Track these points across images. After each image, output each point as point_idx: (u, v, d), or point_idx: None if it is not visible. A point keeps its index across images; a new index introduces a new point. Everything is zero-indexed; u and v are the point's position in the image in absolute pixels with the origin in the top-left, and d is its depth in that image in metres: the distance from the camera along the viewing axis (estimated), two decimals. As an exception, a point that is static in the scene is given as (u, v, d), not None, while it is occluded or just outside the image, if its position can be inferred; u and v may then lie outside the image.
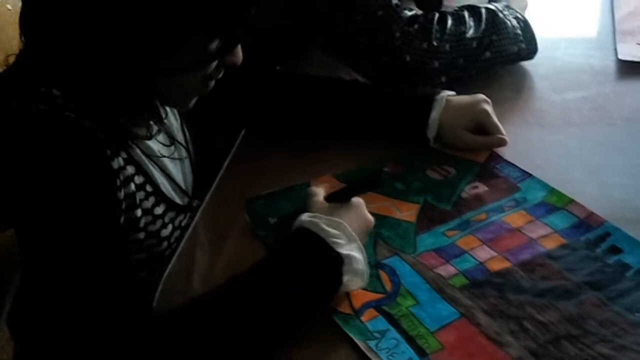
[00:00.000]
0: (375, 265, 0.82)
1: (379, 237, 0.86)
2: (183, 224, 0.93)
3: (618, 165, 1.00)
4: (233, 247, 0.87)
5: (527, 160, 0.99)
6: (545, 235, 0.85)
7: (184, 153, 0.95)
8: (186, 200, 0.94)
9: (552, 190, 0.92)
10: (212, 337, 0.67)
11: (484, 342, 0.71)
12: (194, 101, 0.85)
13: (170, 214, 0.90)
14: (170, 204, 0.90)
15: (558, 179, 0.94)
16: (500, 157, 0.99)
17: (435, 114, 0.99)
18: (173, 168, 0.92)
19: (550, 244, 0.84)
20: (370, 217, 0.82)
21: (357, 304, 0.76)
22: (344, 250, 0.74)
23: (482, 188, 0.94)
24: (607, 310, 0.74)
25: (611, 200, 0.91)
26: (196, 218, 0.92)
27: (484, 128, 1.00)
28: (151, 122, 0.82)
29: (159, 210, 0.87)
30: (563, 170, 0.98)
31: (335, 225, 0.76)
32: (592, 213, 0.87)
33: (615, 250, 0.82)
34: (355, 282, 0.76)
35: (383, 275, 0.80)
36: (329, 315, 0.75)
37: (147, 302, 0.76)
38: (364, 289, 0.78)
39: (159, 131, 0.86)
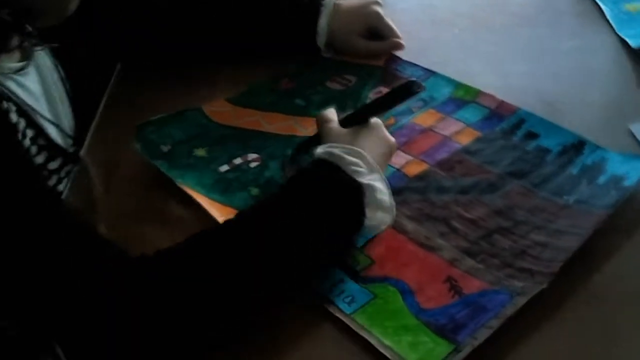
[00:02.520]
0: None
1: (286, 159, 0.78)
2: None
3: (516, 52, 0.97)
4: (125, 180, 0.78)
5: (425, 59, 0.93)
6: (459, 131, 0.80)
7: (63, 96, 0.83)
8: (72, 147, 0.82)
9: (458, 85, 0.87)
10: (216, 276, 0.57)
11: (415, 248, 0.66)
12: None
13: (66, 168, 0.78)
14: (63, 155, 0.78)
15: (459, 74, 0.90)
16: (400, 58, 0.94)
17: (323, 20, 0.91)
18: (53, 115, 0.80)
19: (465, 139, 0.79)
20: (392, 139, 0.72)
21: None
22: (364, 180, 0.65)
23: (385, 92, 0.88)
24: (535, 197, 0.71)
25: (515, 88, 0.88)
26: (82, 155, 0.81)
27: (377, 32, 0.94)
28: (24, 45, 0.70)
29: (54, 164, 0.75)
30: (462, 64, 0.94)
31: (354, 154, 0.66)
32: (503, 102, 0.83)
33: (532, 135, 0.78)
34: (382, 217, 0.66)
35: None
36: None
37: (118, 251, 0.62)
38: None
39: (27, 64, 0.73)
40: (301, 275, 0.63)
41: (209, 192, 0.74)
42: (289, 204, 0.64)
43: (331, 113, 0.73)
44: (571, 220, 0.67)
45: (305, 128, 0.83)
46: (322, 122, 0.73)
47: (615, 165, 0.73)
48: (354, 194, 0.64)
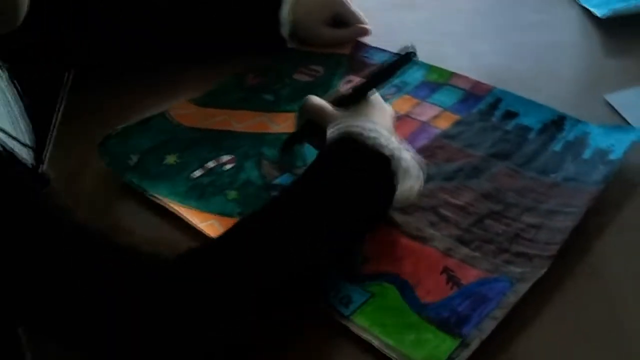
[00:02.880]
0: (265, 187, 0.71)
1: (262, 157, 0.75)
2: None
3: (485, 32, 0.96)
4: (93, 194, 0.74)
5: (393, 43, 0.90)
6: (437, 116, 0.78)
7: (23, 112, 0.77)
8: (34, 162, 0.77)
9: (430, 68, 0.85)
10: (252, 265, 0.53)
11: (408, 242, 0.64)
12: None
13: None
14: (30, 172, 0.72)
15: (429, 57, 0.87)
16: (367, 45, 0.91)
17: (285, 9, 0.88)
18: (9, 124, 0.74)
19: (444, 124, 0.77)
20: (392, 110, 0.69)
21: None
22: (388, 151, 0.61)
23: (357, 81, 0.85)
24: (522, 178, 0.69)
25: (486, 68, 0.87)
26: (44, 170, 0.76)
27: (342, 19, 0.91)
28: None
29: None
30: (432, 47, 0.91)
31: (370, 127, 0.62)
32: (477, 82, 0.81)
33: (510, 114, 0.77)
34: (412, 186, 0.63)
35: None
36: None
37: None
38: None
39: None
40: (337, 259, 0.60)
41: (183, 199, 0.70)
42: (322, 187, 0.60)
43: (318, 99, 0.70)
44: (562, 199, 0.66)
45: (278, 124, 0.79)
46: (314, 110, 0.68)
47: (598, 139, 0.72)
48: (384, 167, 0.61)
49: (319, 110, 0.67)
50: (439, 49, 0.90)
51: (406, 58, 0.68)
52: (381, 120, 0.65)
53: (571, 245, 0.62)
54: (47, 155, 0.77)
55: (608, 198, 0.66)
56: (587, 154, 0.70)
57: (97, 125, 0.80)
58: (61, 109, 0.80)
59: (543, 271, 0.58)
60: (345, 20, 0.91)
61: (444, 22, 0.98)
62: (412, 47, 0.69)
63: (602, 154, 0.70)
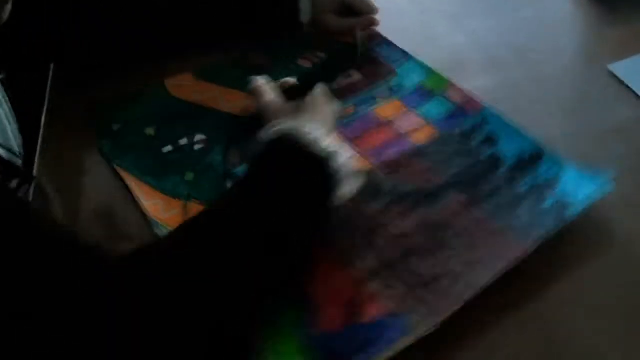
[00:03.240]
0: (224, 175, 0.72)
1: (232, 142, 0.75)
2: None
3: (480, 9, 0.94)
4: (87, 201, 0.73)
5: (383, 25, 0.87)
6: (417, 129, 0.75)
7: (9, 116, 0.79)
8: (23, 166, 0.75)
9: (430, 73, 0.81)
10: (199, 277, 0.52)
11: (329, 263, 0.62)
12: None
13: (24, 188, 0.73)
14: (19, 175, 0.71)
15: (424, 37, 0.86)
16: (380, 36, 0.87)
17: None
18: (3, 137, 0.74)
19: (420, 138, 0.74)
20: (336, 106, 0.67)
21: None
22: (326, 149, 0.60)
23: (356, 77, 0.82)
24: (469, 217, 0.65)
25: (484, 43, 0.86)
26: (35, 171, 0.75)
27: (353, 8, 0.87)
28: None
29: (12, 185, 0.70)
30: (425, 26, 0.90)
31: (307, 125, 0.61)
32: (471, 99, 0.77)
33: (489, 141, 0.72)
34: (351, 184, 0.63)
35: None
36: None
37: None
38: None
39: None
40: (286, 260, 0.58)
41: (143, 174, 0.72)
42: (261, 191, 0.59)
43: (265, 86, 0.69)
44: (495, 249, 0.62)
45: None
46: (258, 99, 0.69)
47: (568, 184, 0.66)
48: (322, 166, 0.60)
49: (262, 101, 0.68)
50: (434, 29, 0.89)
51: (352, 58, 0.66)
52: (322, 118, 0.64)
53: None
54: (37, 158, 0.77)
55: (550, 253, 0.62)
56: (548, 203, 0.65)
57: (84, 123, 0.79)
58: (45, 110, 0.79)
59: (434, 328, 0.56)
60: (356, 10, 0.87)
61: (435, 2, 0.95)
62: (363, 42, 0.66)
63: (561, 207, 0.64)
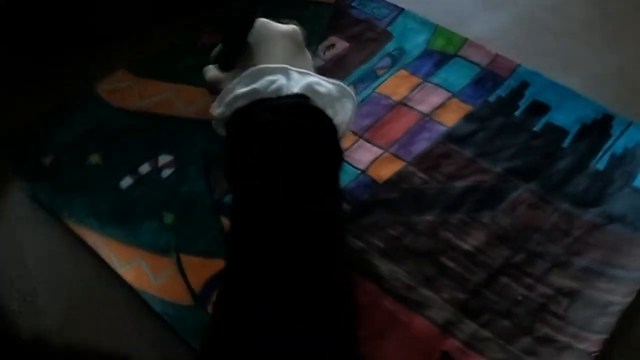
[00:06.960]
0: (214, 208, 0.54)
1: (210, 159, 0.57)
2: None
3: None
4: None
5: None
6: (442, 105, 0.60)
7: None
8: None
9: (436, 30, 0.65)
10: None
11: (393, 306, 0.47)
12: None
13: None
14: None
15: (437, 13, 0.67)
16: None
17: None
18: None
19: (450, 118, 0.59)
20: (287, 27, 0.52)
21: (196, 284, 0.50)
22: (295, 89, 0.47)
23: (341, 45, 0.65)
24: (551, 211, 0.51)
25: (510, 22, 0.67)
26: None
27: None
28: None
29: None
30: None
31: (258, 76, 0.47)
32: (498, 55, 0.62)
33: (539, 108, 0.58)
34: (345, 109, 0.48)
35: (228, 224, 0.53)
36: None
37: None
38: (204, 257, 0.51)
39: None
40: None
41: (104, 225, 0.53)
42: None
43: (213, 73, 0.52)
44: (605, 252, 0.49)
45: (235, 108, 0.61)
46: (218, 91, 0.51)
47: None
48: (304, 110, 0.46)
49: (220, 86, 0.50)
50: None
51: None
52: (278, 53, 0.49)
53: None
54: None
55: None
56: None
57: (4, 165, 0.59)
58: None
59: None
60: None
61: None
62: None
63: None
